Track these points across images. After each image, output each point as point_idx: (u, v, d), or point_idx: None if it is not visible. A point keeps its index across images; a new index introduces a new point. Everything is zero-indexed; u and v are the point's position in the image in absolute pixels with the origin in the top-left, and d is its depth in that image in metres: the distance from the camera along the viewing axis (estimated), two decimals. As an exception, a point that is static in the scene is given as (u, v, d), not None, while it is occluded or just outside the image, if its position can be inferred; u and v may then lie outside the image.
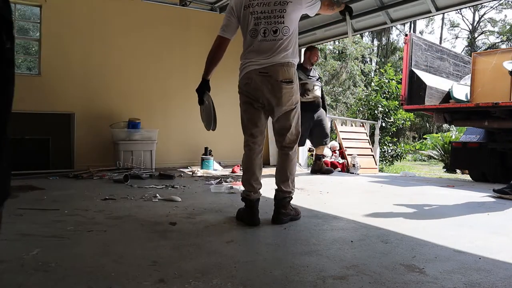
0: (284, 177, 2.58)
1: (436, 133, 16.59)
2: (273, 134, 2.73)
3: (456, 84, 6.06)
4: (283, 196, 2.57)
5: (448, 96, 5.99)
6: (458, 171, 10.26)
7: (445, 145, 12.36)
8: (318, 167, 5.95)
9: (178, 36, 6.50)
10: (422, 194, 4.07)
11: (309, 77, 5.48)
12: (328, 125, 5.84)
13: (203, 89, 2.67)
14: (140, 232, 2.27)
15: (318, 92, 5.48)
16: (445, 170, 11.81)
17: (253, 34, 2.46)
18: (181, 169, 5.95)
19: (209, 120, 2.70)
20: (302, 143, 5.85)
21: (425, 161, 16.54)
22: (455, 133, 13.21)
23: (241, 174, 2.65)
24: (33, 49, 12.87)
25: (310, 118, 5.48)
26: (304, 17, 7.40)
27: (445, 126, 17.36)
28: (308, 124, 5.47)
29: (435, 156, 13.66)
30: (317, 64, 20.37)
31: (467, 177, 7.36)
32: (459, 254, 1.93)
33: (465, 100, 5.68)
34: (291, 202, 2.67)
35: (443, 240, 2.16)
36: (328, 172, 5.95)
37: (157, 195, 3.44)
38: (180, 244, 2.01)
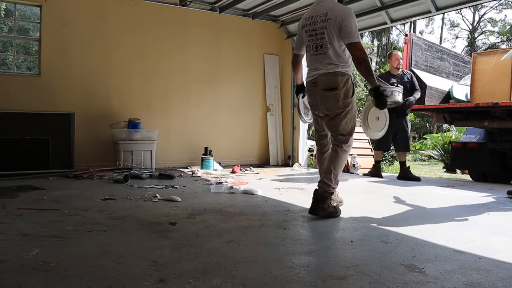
0: (328, 170, 2.77)
1: (436, 133, 16.58)
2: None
3: (456, 84, 6.05)
4: (322, 189, 2.72)
5: (448, 96, 5.99)
6: (458, 171, 10.26)
7: (445, 145, 12.35)
8: (404, 173, 5.54)
9: (178, 36, 6.50)
10: (422, 194, 4.07)
11: (391, 83, 5.27)
12: (406, 134, 5.46)
13: (297, 91, 3.26)
14: (140, 232, 2.27)
15: (398, 98, 5.09)
16: (445, 170, 11.80)
17: (308, 49, 2.89)
18: (181, 169, 5.95)
19: (299, 113, 3.43)
20: (384, 148, 5.75)
21: (425, 161, 16.53)
22: (455, 133, 13.18)
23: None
24: (33, 49, 12.87)
25: (393, 123, 4.97)
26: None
27: (445, 126, 17.36)
28: (391, 129, 4.94)
29: (435, 156, 13.65)
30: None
31: (467, 177, 7.36)
32: (459, 254, 1.93)
33: (465, 100, 5.68)
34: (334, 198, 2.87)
35: (443, 240, 2.16)
36: (415, 179, 5.50)
37: (157, 195, 3.44)
38: (180, 244, 2.01)
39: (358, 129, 9.18)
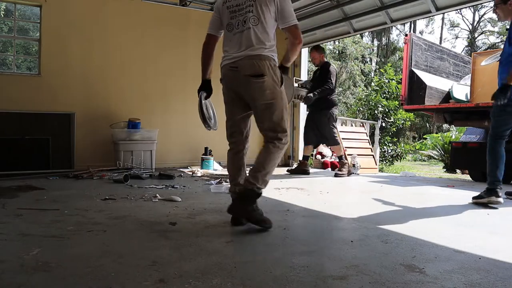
0: (256, 168, 2.36)
1: (436, 133, 16.58)
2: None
3: (456, 84, 6.06)
4: (245, 187, 2.34)
5: (448, 96, 5.99)
6: (458, 171, 10.26)
7: (445, 145, 12.35)
8: (299, 166, 5.85)
9: (178, 36, 6.50)
10: (422, 194, 4.07)
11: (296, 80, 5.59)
12: (325, 128, 5.56)
13: (200, 89, 2.67)
14: (140, 232, 2.27)
15: (302, 93, 5.55)
16: (445, 170, 11.80)
17: (229, 28, 2.46)
18: (181, 169, 5.95)
19: (202, 118, 2.69)
20: (310, 142, 5.81)
21: (425, 161, 16.54)
22: (455, 133, 13.19)
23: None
24: (33, 49, 12.87)
25: (312, 118, 5.65)
26: (304, 16, 7.36)
27: (445, 126, 17.36)
28: (311, 123, 5.64)
29: (435, 156, 13.65)
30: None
31: (467, 177, 7.36)
32: (459, 254, 1.93)
33: (465, 100, 5.68)
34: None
35: (443, 240, 2.16)
36: (302, 172, 5.76)
37: (157, 195, 3.44)
38: (180, 244, 2.01)
39: (361, 129, 9.19)
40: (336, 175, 5.55)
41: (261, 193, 2.38)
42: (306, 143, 5.85)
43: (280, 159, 2.48)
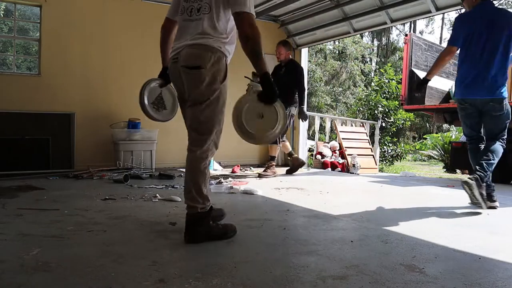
0: (187, 188, 2.08)
1: (436, 133, 16.58)
2: None
3: (456, 84, 6.05)
4: (192, 211, 2.06)
5: (448, 96, 5.99)
6: (458, 171, 10.26)
7: (445, 145, 12.34)
8: (293, 164, 5.65)
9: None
10: (422, 194, 4.07)
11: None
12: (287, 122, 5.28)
13: (160, 75, 2.44)
14: (140, 232, 2.27)
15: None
16: (445, 170, 11.80)
17: (181, 12, 2.20)
18: (181, 169, 5.95)
19: (140, 104, 2.50)
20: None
21: (425, 161, 16.53)
22: (455, 133, 13.19)
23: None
24: (33, 49, 12.87)
25: None
26: (304, 17, 7.34)
27: (445, 126, 17.35)
28: None
29: (435, 156, 13.65)
30: (317, 64, 20.39)
31: (467, 177, 7.35)
32: (459, 254, 1.93)
33: (465, 100, 5.67)
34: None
35: (443, 240, 2.16)
36: (299, 166, 5.62)
37: (157, 195, 3.44)
38: (180, 244, 2.01)
39: (361, 129, 9.13)
40: (259, 176, 5.28)
41: (208, 210, 2.10)
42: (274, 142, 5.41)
43: (207, 167, 2.12)
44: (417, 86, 3.85)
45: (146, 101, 2.49)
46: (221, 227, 2.19)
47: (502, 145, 3.16)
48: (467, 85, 3.15)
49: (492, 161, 3.07)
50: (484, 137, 3.26)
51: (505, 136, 3.20)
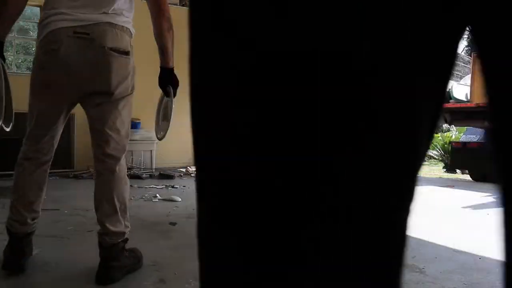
0: (110, 209, 1.61)
1: (436, 133, 16.58)
2: (91, 136, 1.87)
3: (456, 84, 6.06)
4: (111, 242, 1.55)
5: (448, 96, 5.99)
6: (458, 171, 10.27)
7: (445, 145, 12.34)
8: None
9: (178, 36, 6.46)
10: (421, 193, 4.07)
11: None
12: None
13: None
14: (140, 232, 2.27)
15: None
16: (445, 170, 11.80)
17: None
18: (181, 169, 5.95)
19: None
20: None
21: (425, 161, 16.56)
22: (455, 133, 13.20)
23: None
24: (33, 49, 12.87)
25: None
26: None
27: (445, 126, 17.35)
28: None
29: (435, 156, 13.65)
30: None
31: (467, 177, 7.36)
32: (459, 254, 1.93)
33: (465, 100, 5.68)
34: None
35: (443, 240, 2.16)
36: None
37: (157, 195, 3.44)
38: (180, 244, 2.01)
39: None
40: None
41: (128, 237, 1.64)
42: None
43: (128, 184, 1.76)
44: None
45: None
46: (132, 255, 1.68)
47: None
48: None
49: None
50: None
51: None
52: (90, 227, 2.33)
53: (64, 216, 2.63)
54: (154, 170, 5.59)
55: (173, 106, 1.90)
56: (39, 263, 1.68)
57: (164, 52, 1.84)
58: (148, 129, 5.79)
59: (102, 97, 1.64)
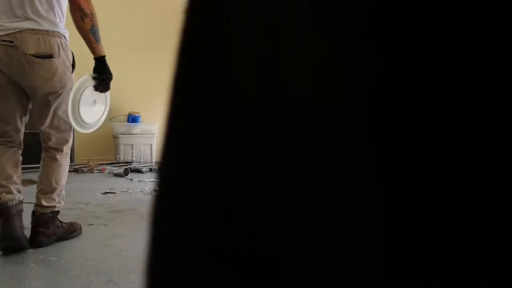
0: (48, 188, 1.91)
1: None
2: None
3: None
4: (41, 212, 1.86)
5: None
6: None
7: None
8: None
9: (178, 31, 6.46)
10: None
11: None
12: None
13: None
14: (141, 225, 2.27)
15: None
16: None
17: None
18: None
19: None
20: None
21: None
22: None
23: None
24: None
25: None
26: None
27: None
28: None
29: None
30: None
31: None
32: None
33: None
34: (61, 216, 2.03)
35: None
36: None
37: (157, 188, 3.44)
38: (180, 238, 2.01)
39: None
40: None
41: (60, 208, 1.97)
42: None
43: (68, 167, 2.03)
44: None
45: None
46: (67, 225, 2.00)
47: None
48: None
49: None
50: None
51: None
52: (91, 221, 2.33)
53: (64, 210, 2.62)
54: (154, 163, 5.59)
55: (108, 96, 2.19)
56: (39, 257, 1.68)
57: (87, 44, 2.01)
58: (148, 123, 5.79)
59: (33, 100, 1.86)
